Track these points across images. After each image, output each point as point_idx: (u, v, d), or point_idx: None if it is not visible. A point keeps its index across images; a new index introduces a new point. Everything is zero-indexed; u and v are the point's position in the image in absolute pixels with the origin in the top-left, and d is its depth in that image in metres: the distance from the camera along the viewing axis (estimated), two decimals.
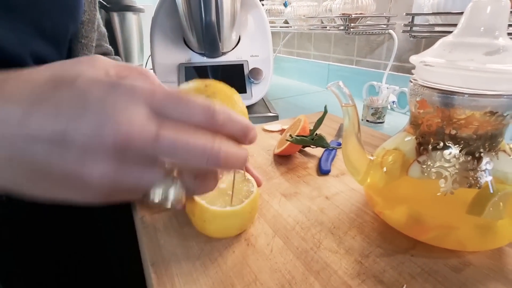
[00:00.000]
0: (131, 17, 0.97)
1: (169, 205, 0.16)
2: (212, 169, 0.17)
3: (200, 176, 0.17)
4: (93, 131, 0.14)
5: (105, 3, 0.93)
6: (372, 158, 0.32)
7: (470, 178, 0.25)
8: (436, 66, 0.25)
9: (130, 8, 0.95)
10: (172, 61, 0.74)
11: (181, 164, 0.16)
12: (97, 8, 0.43)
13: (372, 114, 0.65)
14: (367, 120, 0.66)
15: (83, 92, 0.15)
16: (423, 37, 0.63)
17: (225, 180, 0.32)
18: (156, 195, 0.16)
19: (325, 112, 0.46)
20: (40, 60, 0.33)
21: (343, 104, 0.30)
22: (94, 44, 0.43)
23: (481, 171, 0.25)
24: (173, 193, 0.16)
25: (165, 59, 0.74)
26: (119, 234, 0.54)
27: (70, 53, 0.40)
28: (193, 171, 0.17)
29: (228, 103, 0.24)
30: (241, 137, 0.18)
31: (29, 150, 0.14)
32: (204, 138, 0.16)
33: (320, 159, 0.45)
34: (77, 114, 0.14)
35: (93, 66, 0.16)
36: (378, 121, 0.66)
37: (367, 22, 0.77)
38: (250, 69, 0.74)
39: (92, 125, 0.14)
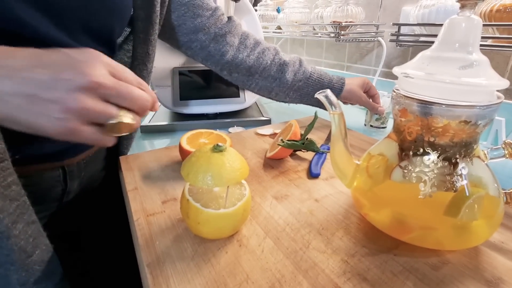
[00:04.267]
0: None
1: (126, 128, 0.26)
2: (140, 108, 0.27)
3: (136, 110, 0.27)
4: (75, 78, 0.23)
5: None
6: (358, 162, 0.34)
7: (447, 182, 0.27)
8: (416, 78, 0.27)
9: None
10: (166, 65, 0.75)
11: (127, 103, 0.26)
12: (157, 2, 0.44)
13: (377, 119, 0.67)
14: (371, 125, 0.68)
15: (68, 58, 0.24)
16: (409, 46, 0.65)
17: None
18: (114, 120, 0.25)
19: (316, 117, 0.48)
20: (97, 48, 0.37)
21: (330, 112, 0.32)
22: (155, 38, 0.45)
23: (457, 175, 0.27)
24: (127, 118, 0.26)
25: (159, 63, 0.75)
26: (118, 236, 0.54)
27: (133, 48, 0.43)
28: (134, 108, 0.27)
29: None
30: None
31: (33, 86, 0.23)
32: (135, 93, 0.26)
33: (310, 163, 0.47)
34: (65, 66, 0.24)
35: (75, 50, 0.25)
36: (382, 126, 0.68)
37: (357, 29, 0.80)
38: None
39: (76, 74, 0.23)
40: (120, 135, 0.27)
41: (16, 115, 0.23)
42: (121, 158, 0.50)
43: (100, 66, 0.25)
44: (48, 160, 0.38)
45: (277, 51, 0.61)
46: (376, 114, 0.65)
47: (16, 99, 0.22)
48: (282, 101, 0.64)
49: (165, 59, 0.75)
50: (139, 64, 0.46)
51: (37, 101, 0.23)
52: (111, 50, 0.41)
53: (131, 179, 0.44)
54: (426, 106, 0.26)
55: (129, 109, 0.26)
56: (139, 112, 0.27)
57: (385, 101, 0.73)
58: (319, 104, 0.62)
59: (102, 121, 0.25)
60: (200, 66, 0.76)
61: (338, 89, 0.60)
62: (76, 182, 0.43)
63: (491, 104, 0.25)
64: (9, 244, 0.27)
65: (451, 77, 0.25)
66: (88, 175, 0.46)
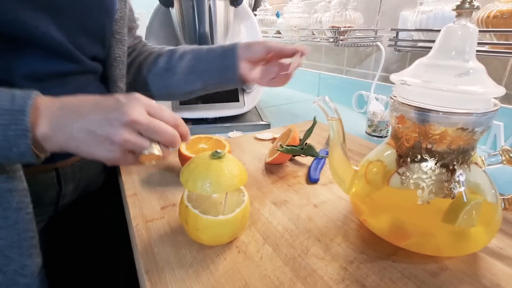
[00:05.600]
0: None
1: (154, 158, 0.30)
2: (167, 141, 0.31)
3: (163, 143, 0.32)
4: (118, 116, 0.28)
5: None
6: (356, 168, 0.34)
7: (445, 189, 0.27)
8: (413, 86, 0.27)
9: None
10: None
11: (157, 137, 0.31)
12: (127, 4, 0.47)
13: (369, 126, 0.66)
14: (368, 134, 0.67)
15: (115, 102, 0.30)
16: (407, 51, 0.66)
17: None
18: (146, 151, 0.30)
19: (314, 122, 0.48)
20: (85, 52, 0.40)
21: (329, 118, 0.32)
22: (126, 38, 0.48)
23: (455, 182, 0.27)
24: (155, 150, 0.30)
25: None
26: (117, 241, 0.54)
27: (109, 48, 0.45)
28: (163, 141, 0.31)
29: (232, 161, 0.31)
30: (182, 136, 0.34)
31: (90, 125, 0.29)
32: (165, 130, 0.31)
33: (309, 168, 0.47)
34: (112, 109, 0.29)
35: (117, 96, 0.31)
36: (378, 135, 0.65)
37: (356, 34, 0.81)
38: None
39: (119, 114, 0.29)
40: (150, 163, 0.31)
41: (81, 147, 0.29)
42: None
43: (139, 107, 0.30)
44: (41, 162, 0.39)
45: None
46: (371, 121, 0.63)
47: (81, 135, 0.29)
48: (185, 93, 0.56)
49: None
50: (119, 64, 0.48)
51: (95, 136, 0.29)
52: (104, 47, 0.44)
53: (130, 184, 0.44)
54: (423, 113, 0.26)
55: (159, 142, 0.31)
56: (167, 144, 0.31)
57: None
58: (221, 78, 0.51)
59: (138, 151, 0.30)
60: None
61: (231, 48, 0.50)
62: (71, 185, 0.43)
63: (487, 112, 0.26)
64: None
65: (448, 85, 0.25)
66: (85, 179, 0.46)
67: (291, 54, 0.47)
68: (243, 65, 0.48)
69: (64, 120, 0.29)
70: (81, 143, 0.29)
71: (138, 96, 0.31)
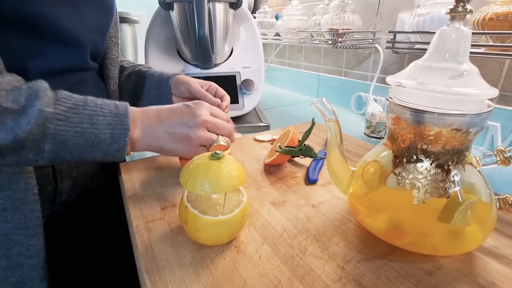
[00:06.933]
0: (126, 28, 0.99)
1: (221, 148, 0.39)
2: (228, 134, 0.42)
3: (226, 135, 0.42)
4: (192, 118, 0.38)
5: None
6: (354, 169, 0.34)
7: (440, 189, 0.28)
8: (408, 87, 0.28)
9: (125, 20, 0.97)
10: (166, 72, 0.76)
11: (220, 131, 0.40)
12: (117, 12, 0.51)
13: (368, 128, 0.67)
14: (367, 135, 0.68)
15: (186, 108, 0.39)
16: (404, 53, 0.66)
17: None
18: (215, 143, 0.39)
19: (313, 124, 0.48)
20: (97, 46, 0.44)
21: (326, 119, 0.32)
22: (119, 42, 0.51)
23: (450, 182, 0.28)
24: (222, 141, 0.39)
25: (159, 70, 0.76)
26: (116, 241, 0.55)
27: (107, 49, 0.49)
28: (224, 134, 0.41)
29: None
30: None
31: (171, 127, 0.38)
32: (225, 125, 0.41)
33: (308, 169, 0.48)
34: (185, 113, 0.39)
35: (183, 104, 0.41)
36: (376, 136, 0.66)
37: (354, 36, 0.81)
38: (242, 80, 0.77)
39: (192, 116, 0.38)
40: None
41: (165, 145, 0.38)
42: (121, 164, 0.51)
43: (205, 109, 0.39)
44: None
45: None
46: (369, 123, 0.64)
47: (164, 135, 0.37)
48: None
49: (165, 67, 0.76)
50: (114, 64, 0.50)
51: (176, 136, 0.37)
52: (103, 47, 0.46)
53: (130, 185, 0.44)
54: (418, 114, 0.27)
55: (222, 135, 0.40)
56: (228, 137, 0.41)
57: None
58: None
59: (208, 144, 0.39)
60: (200, 73, 0.77)
61: (165, 79, 0.54)
62: (68, 182, 0.44)
63: (481, 113, 0.26)
64: None
65: (442, 86, 0.26)
66: (83, 177, 0.47)
67: (213, 104, 0.50)
68: (173, 97, 0.55)
69: (150, 125, 0.37)
70: (165, 142, 0.37)
71: (201, 101, 0.40)
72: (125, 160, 0.39)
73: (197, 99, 0.48)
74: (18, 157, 0.29)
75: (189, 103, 0.39)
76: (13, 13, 0.32)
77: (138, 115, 0.37)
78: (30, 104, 0.28)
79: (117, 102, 0.35)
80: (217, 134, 0.39)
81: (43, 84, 0.30)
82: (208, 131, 0.39)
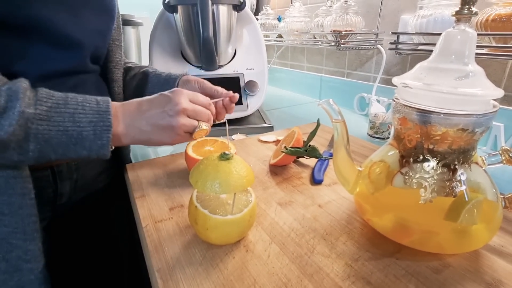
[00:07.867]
0: (130, 31, 1.00)
1: (203, 133, 0.41)
2: (208, 119, 0.42)
3: (205, 121, 0.42)
4: (172, 107, 0.38)
5: None
6: (360, 169, 0.35)
7: (447, 188, 0.28)
8: (414, 88, 0.28)
9: (129, 22, 0.98)
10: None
11: (200, 117, 0.41)
12: (120, 16, 0.52)
13: (376, 131, 0.66)
14: (370, 135, 0.68)
15: (165, 97, 0.39)
16: (407, 54, 0.67)
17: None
18: (197, 129, 0.40)
19: (318, 125, 0.49)
20: (98, 49, 0.44)
21: (333, 120, 0.33)
22: (122, 45, 0.52)
23: (456, 181, 0.28)
24: (203, 126, 0.40)
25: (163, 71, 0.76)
26: (122, 242, 0.55)
27: (109, 52, 0.49)
28: (204, 120, 0.41)
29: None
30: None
31: (153, 119, 0.38)
32: (203, 111, 0.41)
33: (313, 169, 0.48)
34: (164, 103, 0.39)
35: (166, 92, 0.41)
36: (380, 136, 0.66)
37: (357, 37, 0.82)
38: (245, 81, 0.77)
39: (172, 105, 0.38)
40: (202, 138, 0.43)
41: (150, 136, 0.38)
42: (127, 165, 0.51)
43: (184, 97, 0.39)
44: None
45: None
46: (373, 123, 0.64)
47: (147, 128, 0.37)
48: None
49: (169, 68, 0.77)
50: (118, 67, 0.50)
51: (159, 126, 0.38)
52: (105, 47, 0.47)
53: (138, 186, 0.45)
54: (424, 115, 0.27)
55: (203, 121, 0.41)
56: (208, 121, 0.42)
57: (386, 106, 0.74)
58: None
59: (191, 130, 0.40)
60: (203, 74, 0.78)
61: (173, 79, 0.55)
62: (68, 184, 0.44)
63: (487, 113, 0.26)
64: None
65: (448, 87, 0.26)
66: (83, 179, 0.47)
67: (223, 96, 0.50)
68: None
69: (133, 118, 0.37)
70: (150, 134, 0.38)
71: (180, 89, 0.40)
72: (110, 157, 0.39)
73: (210, 95, 0.48)
74: (3, 159, 0.30)
75: (166, 92, 0.39)
76: (10, 16, 0.32)
77: (120, 110, 0.37)
78: (10, 106, 0.28)
79: (99, 98, 0.35)
80: (197, 120, 0.40)
81: (22, 84, 0.30)
82: (189, 117, 0.39)
